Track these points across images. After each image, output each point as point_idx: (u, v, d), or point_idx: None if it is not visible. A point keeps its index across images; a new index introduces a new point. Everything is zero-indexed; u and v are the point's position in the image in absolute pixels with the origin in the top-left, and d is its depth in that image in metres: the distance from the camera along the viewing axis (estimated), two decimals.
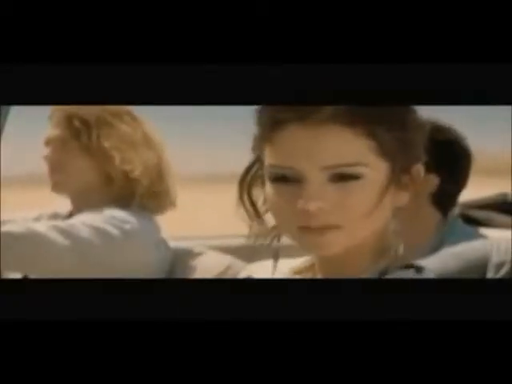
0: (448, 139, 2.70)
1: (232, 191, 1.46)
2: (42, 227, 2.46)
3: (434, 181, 2.67)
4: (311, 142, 1.19)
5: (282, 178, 1.22)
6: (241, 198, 1.42)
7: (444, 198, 2.75)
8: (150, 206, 2.69)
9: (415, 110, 1.45)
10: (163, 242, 2.70)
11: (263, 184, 1.38)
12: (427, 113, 1.55)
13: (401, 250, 1.42)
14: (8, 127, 2.34)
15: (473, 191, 3.02)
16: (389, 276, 1.43)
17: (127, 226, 2.55)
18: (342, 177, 1.19)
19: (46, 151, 2.74)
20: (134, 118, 2.68)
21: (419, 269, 1.45)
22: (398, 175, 1.29)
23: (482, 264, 2.11)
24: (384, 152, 1.22)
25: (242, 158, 1.45)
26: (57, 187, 2.74)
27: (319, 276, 1.45)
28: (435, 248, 2.44)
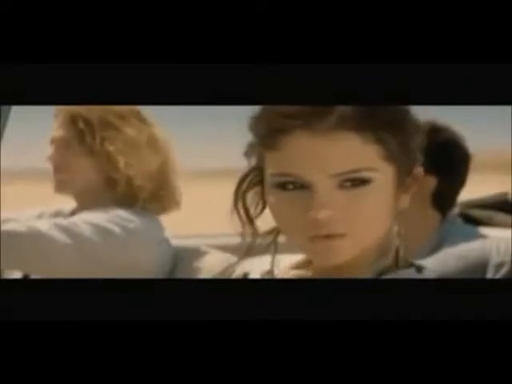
0: (446, 140, 2.70)
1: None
2: (44, 225, 2.46)
3: (433, 182, 2.67)
4: (319, 150, 1.19)
5: (288, 187, 1.21)
6: (235, 205, 1.42)
7: (443, 199, 2.75)
8: (154, 208, 2.69)
9: (414, 112, 1.45)
10: (165, 241, 2.70)
11: (261, 191, 1.38)
12: (427, 113, 1.55)
13: (402, 251, 1.43)
14: (8, 127, 2.35)
15: (473, 190, 3.02)
16: (389, 276, 1.43)
17: (130, 225, 2.55)
18: (351, 183, 1.18)
19: (50, 151, 2.74)
20: (140, 120, 2.67)
21: (419, 268, 1.45)
22: (402, 178, 1.30)
23: (482, 264, 2.11)
24: (390, 156, 1.22)
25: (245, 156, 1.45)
26: (60, 187, 2.73)
27: (316, 272, 1.45)
28: (435, 248, 2.45)
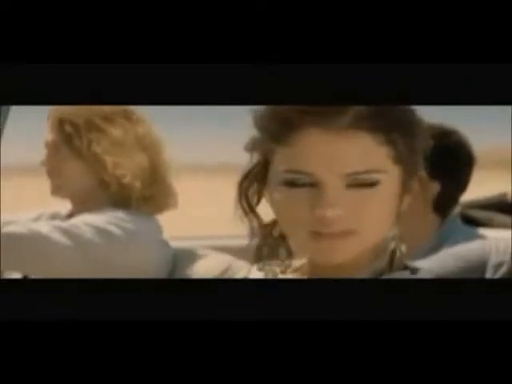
0: (452, 144, 2.70)
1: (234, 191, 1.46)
2: (44, 228, 2.46)
3: (436, 186, 2.67)
4: (332, 148, 1.18)
5: (297, 183, 1.21)
6: (239, 200, 1.42)
7: (445, 202, 2.75)
8: (149, 208, 2.69)
9: (420, 115, 1.45)
10: (165, 242, 2.70)
11: (264, 187, 1.38)
12: (428, 113, 1.55)
13: (398, 253, 1.43)
14: (8, 127, 2.35)
15: (472, 191, 3.02)
16: (389, 276, 1.43)
17: (129, 226, 2.55)
18: (360, 183, 1.19)
19: (43, 155, 2.75)
20: (128, 120, 2.66)
21: (414, 270, 1.45)
22: (407, 180, 1.30)
23: (481, 264, 2.11)
24: (398, 158, 1.23)
25: (247, 156, 1.45)
26: (56, 191, 2.74)
27: (312, 272, 1.45)
28: (435, 249, 2.45)
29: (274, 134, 1.34)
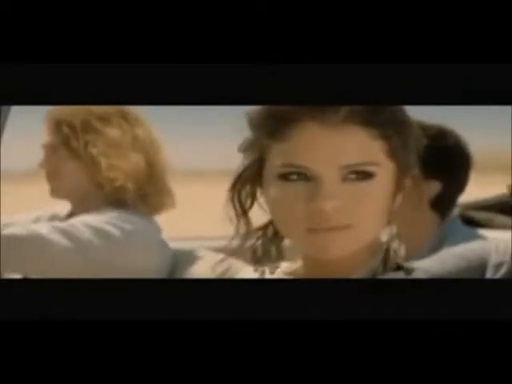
0: (450, 145, 2.70)
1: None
2: (43, 229, 2.46)
3: (434, 185, 2.67)
4: (327, 142, 1.19)
5: (292, 177, 1.21)
6: (232, 198, 1.42)
7: (443, 202, 2.75)
8: (146, 208, 2.69)
9: (415, 115, 1.46)
10: (163, 243, 2.71)
11: (258, 184, 1.39)
12: (428, 113, 1.55)
13: (401, 252, 1.43)
14: (8, 127, 2.34)
15: (472, 192, 3.02)
16: (389, 276, 1.43)
17: (127, 227, 2.55)
18: (356, 176, 1.19)
19: (41, 157, 2.76)
20: (125, 120, 2.66)
21: (409, 270, 1.45)
22: (401, 177, 1.31)
23: (482, 265, 2.11)
24: (392, 153, 1.23)
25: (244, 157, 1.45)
26: (54, 192, 2.75)
27: (307, 269, 1.45)
28: (435, 249, 2.44)
29: (269, 131, 1.34)
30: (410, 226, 1.47)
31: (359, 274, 1.40)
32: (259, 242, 1.45)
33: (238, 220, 1.43)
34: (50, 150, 2.70)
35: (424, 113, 1.48)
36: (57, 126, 2.64)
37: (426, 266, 1.62)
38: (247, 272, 1.61)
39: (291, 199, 1.22)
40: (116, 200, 2.62)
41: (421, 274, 1.51)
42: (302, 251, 1.41)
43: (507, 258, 2.05)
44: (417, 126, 1.42)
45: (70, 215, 2.72)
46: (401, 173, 1.30)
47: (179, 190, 2.82)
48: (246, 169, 1.39)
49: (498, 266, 2.05)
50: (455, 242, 2.42)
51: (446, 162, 2.62)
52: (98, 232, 2.45)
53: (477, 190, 3.13)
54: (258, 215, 1.42)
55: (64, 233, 2.42)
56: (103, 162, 2.57)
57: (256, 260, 1.53)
